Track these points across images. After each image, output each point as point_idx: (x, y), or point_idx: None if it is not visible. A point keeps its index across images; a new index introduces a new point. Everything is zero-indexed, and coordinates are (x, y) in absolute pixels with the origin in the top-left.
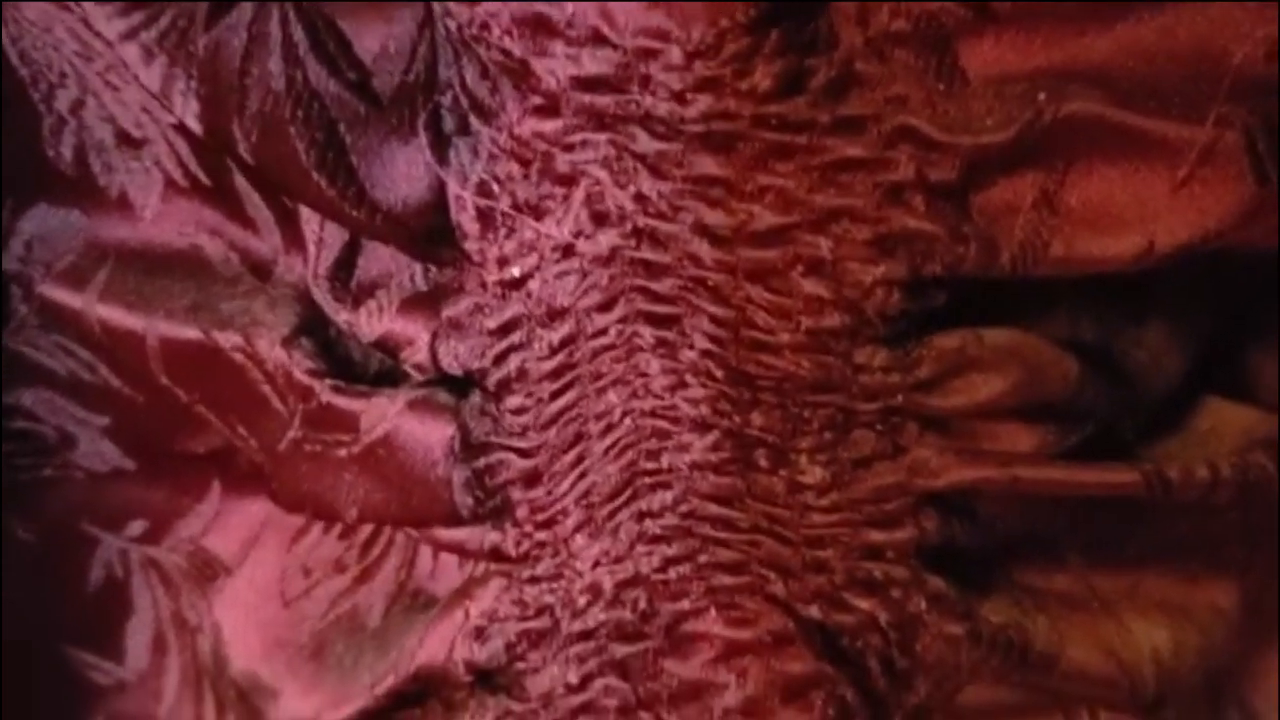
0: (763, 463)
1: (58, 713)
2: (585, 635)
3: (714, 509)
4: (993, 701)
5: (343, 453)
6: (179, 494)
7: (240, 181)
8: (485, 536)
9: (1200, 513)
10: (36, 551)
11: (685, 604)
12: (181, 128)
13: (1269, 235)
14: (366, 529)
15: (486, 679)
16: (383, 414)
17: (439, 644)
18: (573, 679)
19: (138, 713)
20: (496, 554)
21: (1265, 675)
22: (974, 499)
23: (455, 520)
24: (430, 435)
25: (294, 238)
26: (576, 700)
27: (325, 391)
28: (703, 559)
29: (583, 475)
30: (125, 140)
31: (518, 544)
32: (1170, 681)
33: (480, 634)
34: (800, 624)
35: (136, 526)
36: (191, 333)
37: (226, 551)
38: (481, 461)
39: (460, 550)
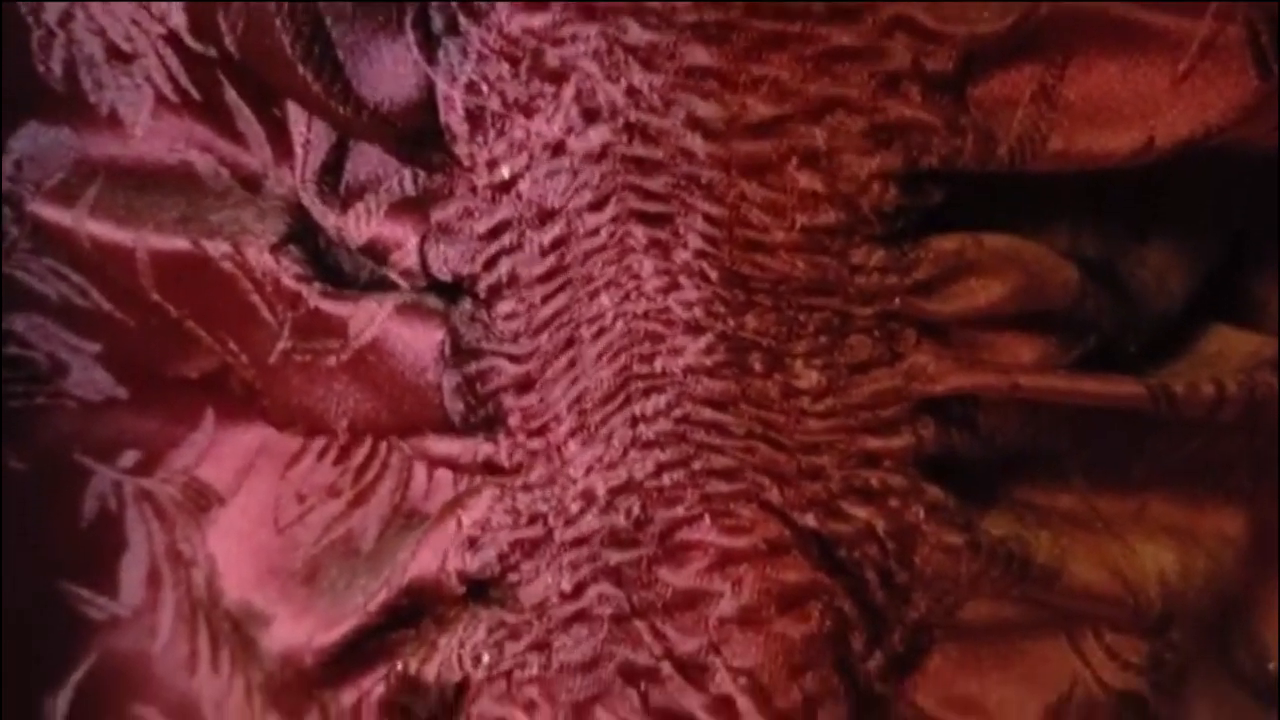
0: (757, 367)
1: (51, 648)
2: (578, 542)
3: (708, 414)
4: (994, 617)
5: (332, 361)
6: (172, 423)
7: (231, 96)
8: (478, 448)
9: (1206, 435)
10: (29, 482)
11: (679, 511)
12: (172, 39)
13: (1270, 134)
14: (361, 453)
15: (479, 591)
16: (371, 318)
17: (431, 555)
18: (566, 586)
19: (132, 648)
20: (490, 466)
21: (1272, 607)
22: (973, 410)
23: (446, 428)
24: (419, 340)
25: (284, 152)
26: (570, 609)
27: (313, 296)
28: (697, 465)
29: (575, 380)
30: (115, 55)
31: (510, 454)
32: (1177, 603)
33: (473, 543)
34: (796, 532)
35: (130, 457)
36: (181, 243)
37: (220, 481)
38: (472, 367)
39: (453, 464)
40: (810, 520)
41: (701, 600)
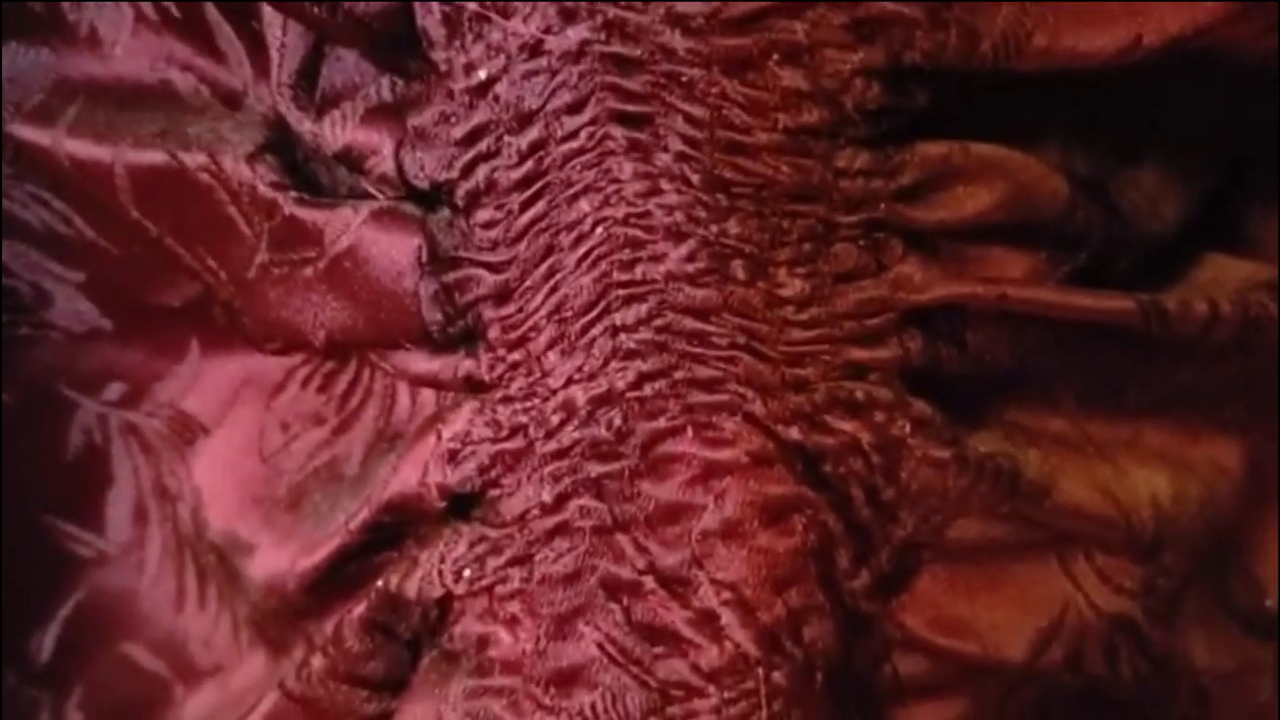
0: (740, 274)
1: (38, 585)
2: (559, 454)
3: (690, 323)
4: (983, 537)
5: (309, 271)
6: (157, 355)
7: (211, 13)
8: (458, 364)
9: (1200, 361)
10: (14, 415)
11: (661, 422)
12: None
13: (1263, 36)
14: (344, 380)
15: (460, 507)
16: (346, 224)
17: (411, 470)
18: (547, 498)
19: (119, 585)
20: (471, 381)
21: (1268, 543)
22: (961, 326)
23: (424, 339)
24: (396, 246)
25: (264, 69)
26: (551, 521)
27: (289, 204)
28: (678, 375)
29: (554, 289)
30: None
31: (491, 368)
32: (1170, 527)
33: (453, 457)
34: (780, 445)
35: (115, 390)
36: (158, 156)
37: (205, 412)
38: (450, 276)
39: (434, 382)
40: (794, 433)
41: (684, 513)
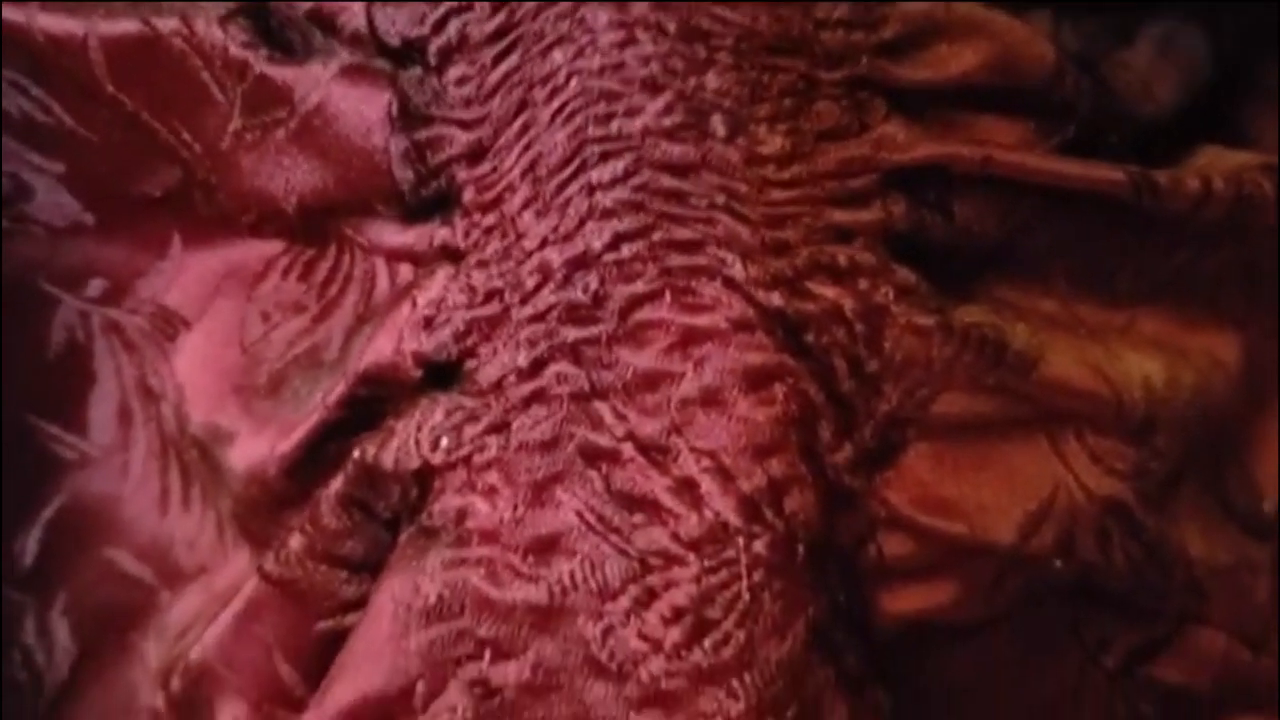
0: (719, 130)
1: (21, 486)
2: (535, 319)
3: (667, 180)
4: (970, 412)
5: (280, 133)
6: (139, 250)
7: None
8: (434, 234)
9: (1193, 246)
10: None
11: (639, 286)
12: None
13: None
14: (325, 267)
15: (436, 376)
16: (316, 81)
17: (387, 340)
18: (523, 363)
19: (102, 489)
20: (447, 250)
21: (1267, 445)
22: (948, 195)
23: (396, 200)
24: (365, 101)
25: None
26: (528, 388)
27: (260, 63)
28: (656, 236)
29: (528, 146)
30: None
31: (466, 234)
32: (1162, 410)
33: (428, 324)
34: (760, 311)
35: (96, 286)
36: (130, 25)
37: (187, 306)
38: (421, 134)
39: (410, 255)
40: (775, 299)
41: (663, 381)
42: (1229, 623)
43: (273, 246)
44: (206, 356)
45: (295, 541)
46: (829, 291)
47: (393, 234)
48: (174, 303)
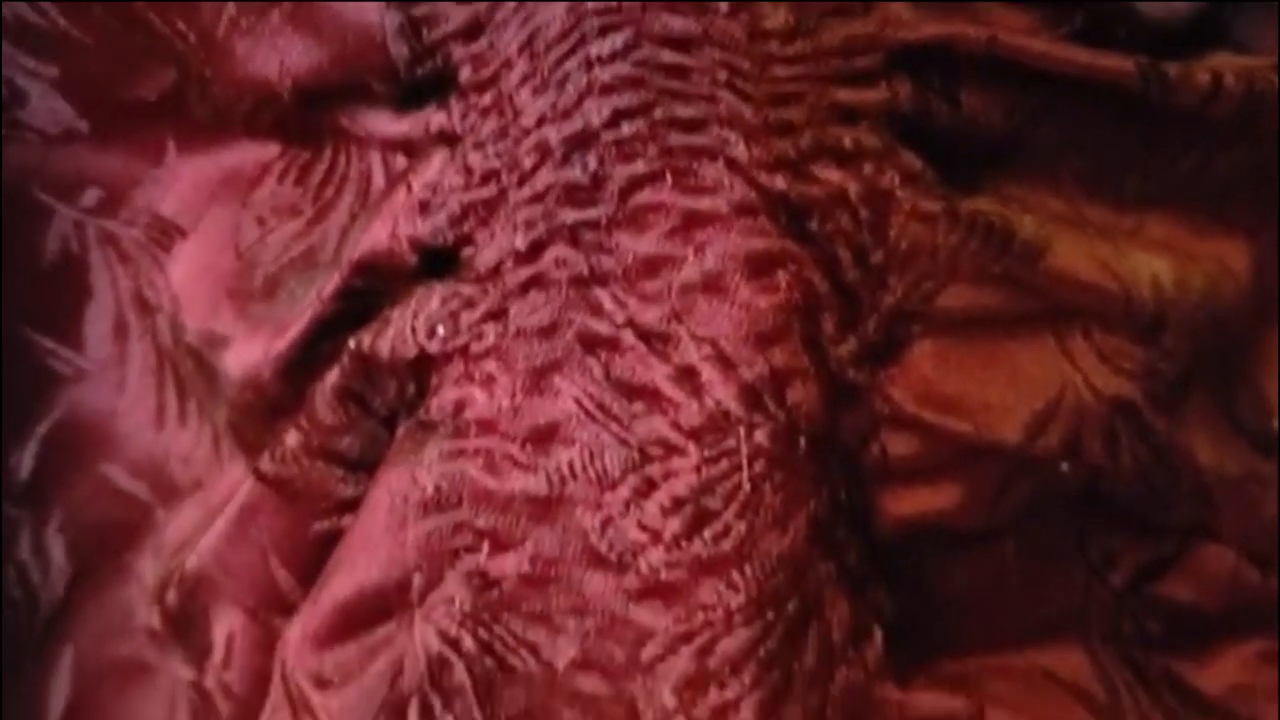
0: (721, 3)
1: (16, 399)
2: (533, 199)
3: (668, 55)
4: (975, 305)
5: (275, 15)
6: (134, 158)
7: None
8: (430, 119)
9: (1203, 145)
10: None
11: (639, 166)
12: None
13: None
14: (320, 170)
15: (433, 264)
16: None
17: (382, 227)
18: (520, 246)
19: (98, 405)
20: (443, 136)
21: (1276, 358)
22: (954, 82)
23: (392, 78)
24: None
25: None
26: (526, 273)
27: None
28: (657, 114)
29: (526, 20)
30: None
31: (464, 117)
32: (1171, 309)
33: (424, 207)
34: (763, 195)
35: (91, 196)
36: None
37: (183, 214)
38: (418, 9)
39: (406, 144)
40: (778, 182)
41: (663, 266)
42: (1237, 536)
43: (268, 151)
44: (202, 264)
45: (291, 438)
46: (833, 175)
47: (388, 122)
48: (169, 212)
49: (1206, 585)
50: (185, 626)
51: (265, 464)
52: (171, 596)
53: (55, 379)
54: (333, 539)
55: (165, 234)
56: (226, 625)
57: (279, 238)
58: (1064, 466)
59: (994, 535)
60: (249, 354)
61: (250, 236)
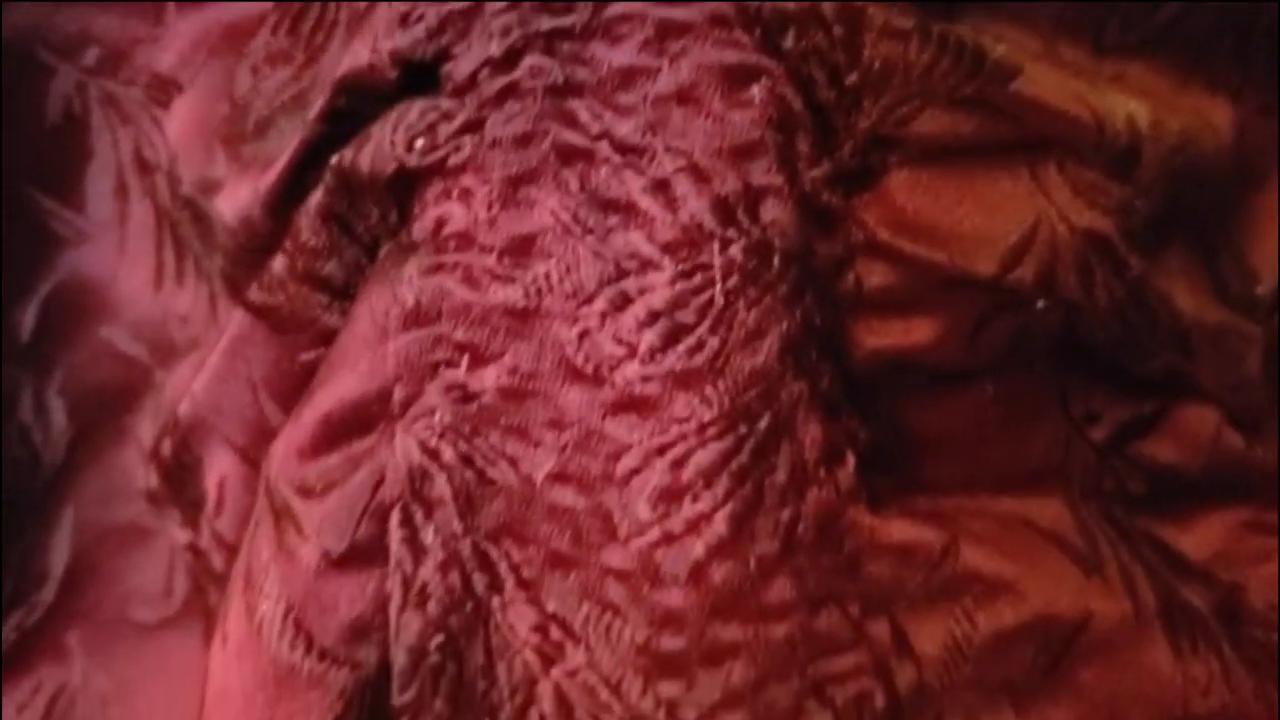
0: None
1: (19, 258)
2: (510, 7)
3: None
4: (950, 133)
5: None
6: (134, 16)
7: None
8: None
9: None
10: None
11: None
12: None
13: None
14: (311, 18)
15: (413, 80)
16: None
17: (363, 44)
18: (496, 52)
19: (98, 268)
20: None
21: (1262, 227)
22: None
23: None
24: None
25: None
26: (502, 81)
27: None
28: None
29: None
30: None
31: None
32: (1147, 146)
33: (404, 20)
34: (738, 7)
35: (93, 55)
36: None
37: (180, 70)
38: None
39: None
40: None
41: (638, 77)
42: (1219, 390)
43: (263, 4)
44: (198, 115)
45: (278, 263)
46: None
47: None
48: (167, 68)
49: (1188, 447)
50: (180, 479)
51: (253, 293)
52: (166, 447)
53: (56, 241)
54: (318, 370)
55: (164, 91)
56: (218, 471)
57: (272, 84)
58: (1040, 304)
59: (972, 377)
60: (240, 195)
61: (244, 85)
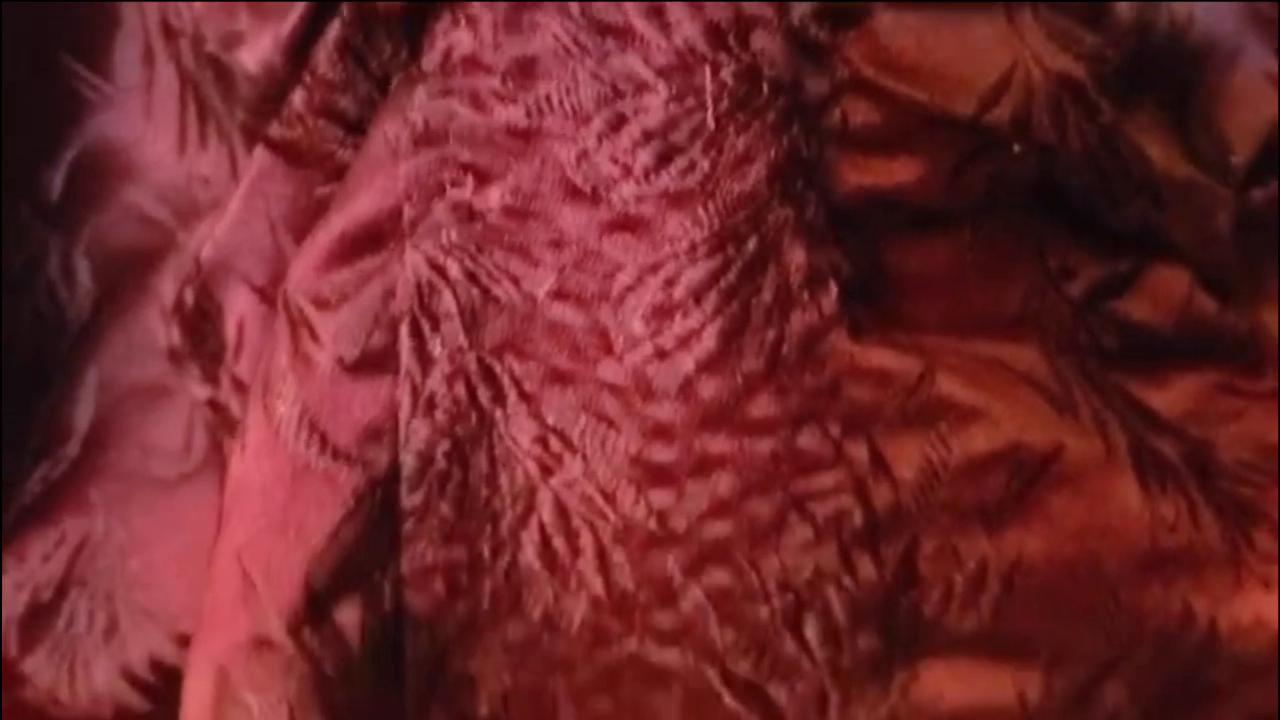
0: None
1: (49, 123)
2: None
3: None
4: None
5: None
6: None
7: None
8: None
9: None
10: None
11: None
12: None
13: None
14: None
15: None
16: None
17: None
18: None
19: (125, 131)
20: None
21: (1238, 100)
22: None
23: None
24: None
25: None
26: None
27: None
28: None
29: None
30: None
31: None
32: None
33: None
34: None
35: None
36: None
37: None
38: None
39: None
40: None
41: None
42: (1190, 246)
43: None
44: None
45: (297, 98)
46: None
47: None
48: None
49: (1161, 306)
50: (200, 330)
51: (274, 130)
52: (188, 296)
53: (85, 105)
54: (326, 213)
55: None
56: (237, 313)
57: None
58: (1016, 147)
59: (951, 220)
60: (262, 43)
61: None
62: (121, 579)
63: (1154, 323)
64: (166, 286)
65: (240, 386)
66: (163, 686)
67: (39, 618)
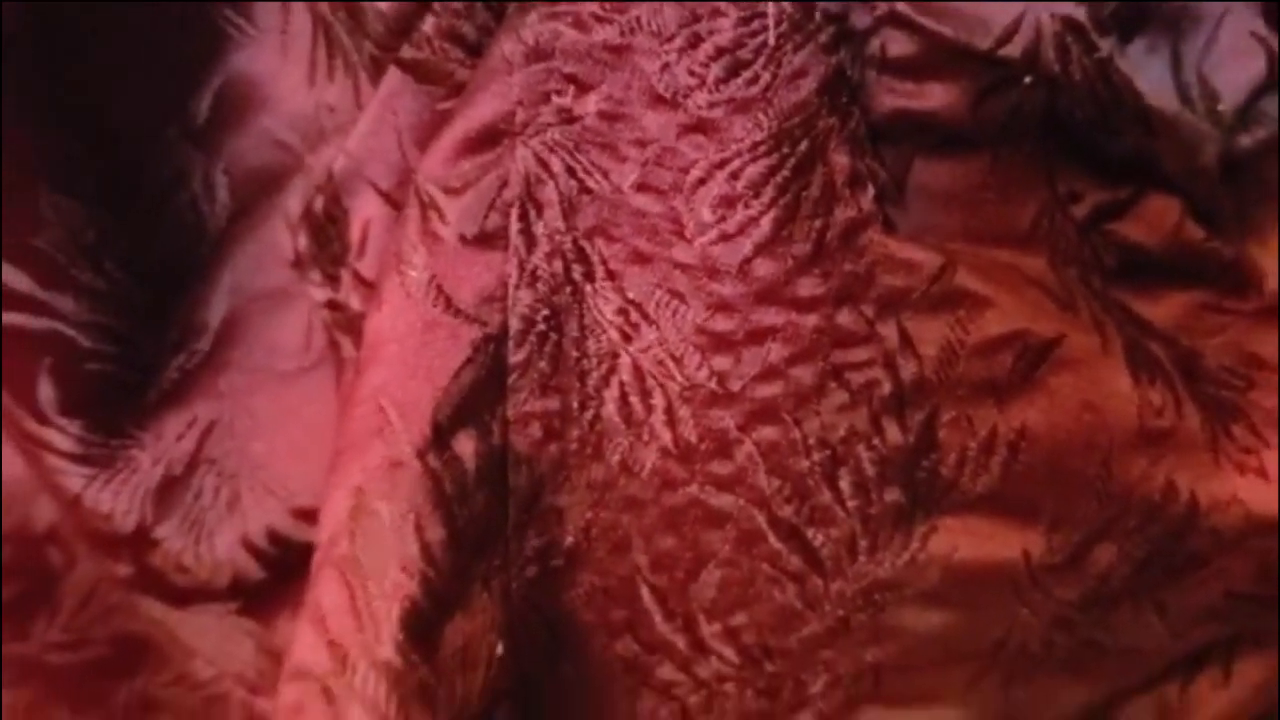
0: None
1: (198, 55)
2: None
3: None
4: None
5: None
6: None
7: None
8: None
9: None
10: None
11: None
12: None
13: None
14: None
15: None
16: None
17: None
18: None
19: (262, 66)
20: None
21: (1229, 57)
22: None
23: None
24: None
25: None
26: None
27: None
28: None
29: None
30: None
31: None
32: None
33: None
34: None
35: None
36: None
37: None
38: None
39: None
40: None
41: None
42: (1180, 176)
43: None
44: None
45: (427, 24)
46: None
47: None
48: None
49: (1154, 230)
50: (326, 235)
51: (405, 51)
52: (319, 203)
53: (229, 42)
54: (450, 118)
55: None
56: (363, 215)
57: None
58: (1027, 79)
59: (974, 144)
60: None
61: None
62: (245, 459)
63: (1148, 245)
64: (293, 203)
65: (361, 281)
66: (279, 556)
67: (171, 489)
